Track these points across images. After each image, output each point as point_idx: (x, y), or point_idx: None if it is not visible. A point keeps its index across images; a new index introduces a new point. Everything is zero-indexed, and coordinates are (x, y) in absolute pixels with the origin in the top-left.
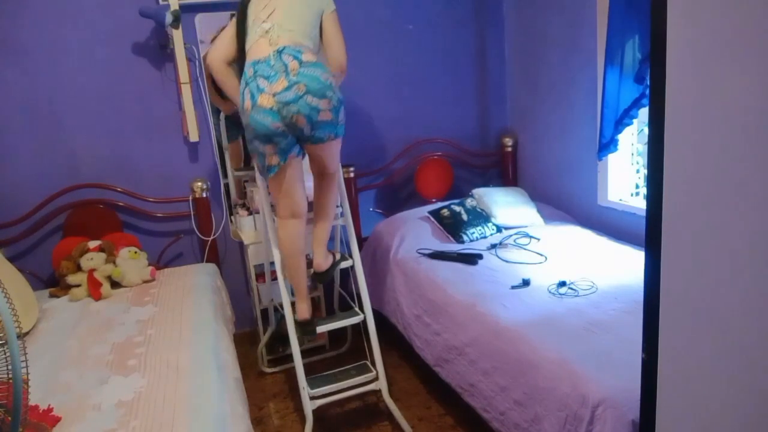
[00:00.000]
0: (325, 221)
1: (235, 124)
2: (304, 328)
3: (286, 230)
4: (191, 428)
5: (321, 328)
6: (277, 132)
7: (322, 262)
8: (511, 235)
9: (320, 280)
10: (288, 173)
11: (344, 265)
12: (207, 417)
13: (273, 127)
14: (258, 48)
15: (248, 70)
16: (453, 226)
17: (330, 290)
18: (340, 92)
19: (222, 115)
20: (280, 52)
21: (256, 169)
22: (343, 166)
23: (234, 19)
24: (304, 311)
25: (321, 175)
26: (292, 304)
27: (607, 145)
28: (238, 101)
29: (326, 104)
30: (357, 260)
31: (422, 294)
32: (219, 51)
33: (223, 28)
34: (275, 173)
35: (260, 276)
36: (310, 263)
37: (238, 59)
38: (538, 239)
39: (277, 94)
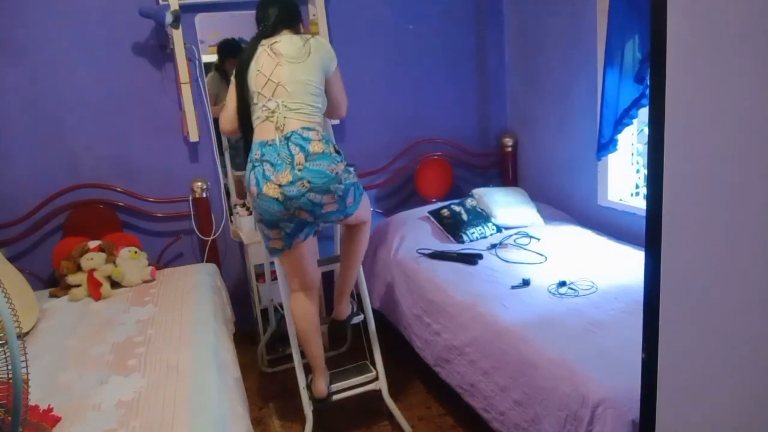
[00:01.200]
0: (352, 269)
1: (238, 155)
2: (320, 403)
3: (297, 303)
4: (191, 428)
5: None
6: (283, 219)
7: (343, 310)
8: (511, 235)
9: (336, 331)
10: (296, 253)
11: (356, 320)
12: (207, 417)
13: (279, 215)
14: (264, 129)
15: (255, 152)
16: (453, 226)
17: (330, 290)
18: (352, 176)
19: (226, 145)
20: (288, 137)
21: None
22: None
23: (234, 80)
24: (322, 388)
25: (350, 225)
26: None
27: (606, 145)
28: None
29: (330, 198)
30: None
31: (422, 294)
32: (231, 121)
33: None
34: (281, 254)
35: (260, 276)
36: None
37: (240, 120)
38: (538, 239)
39: (282, 185)
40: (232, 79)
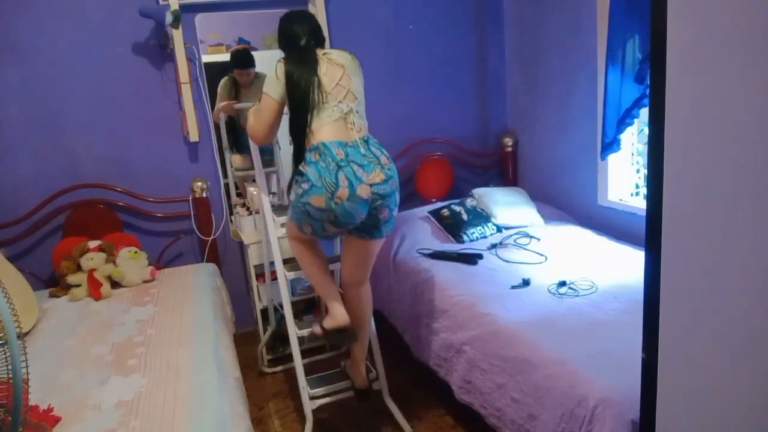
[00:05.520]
0: (364, 331)
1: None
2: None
3: (303, 246)
4: (191, 428)
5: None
6: (355, 223)
7: (364, 377)
8: (511, 235)
9: (360, 396)
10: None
11: (375, 386)
12: (207, 417)
13: (359, 219)
14: (337, 129)
15: (337, 151)
16: (453, 226)
17: None
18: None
19: (226, 145)
20: (366, 141)
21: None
22: None
23: (280, 83)
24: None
25: (357, 283)
26: (293, 304)
27: (611, 145)
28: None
29: (397, 201)
30: None
31: (422, 294)
32: (271, 126)
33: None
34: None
35: (260, 276)
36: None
37: (295, 123)
38: (538, 239)
39: (374, 185)
40: (268, 88)
